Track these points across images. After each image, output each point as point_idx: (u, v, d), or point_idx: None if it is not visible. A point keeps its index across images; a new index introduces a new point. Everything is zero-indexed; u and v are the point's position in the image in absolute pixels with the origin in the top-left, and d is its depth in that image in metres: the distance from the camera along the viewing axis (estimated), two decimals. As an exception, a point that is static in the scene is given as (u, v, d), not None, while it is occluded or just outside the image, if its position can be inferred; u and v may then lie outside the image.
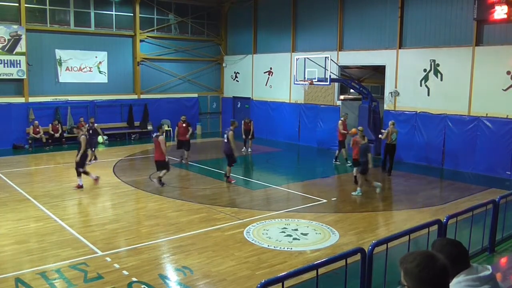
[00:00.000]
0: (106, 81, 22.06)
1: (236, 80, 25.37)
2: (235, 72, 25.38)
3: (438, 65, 16.44)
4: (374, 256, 5.13)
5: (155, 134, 13.37)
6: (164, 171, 13.05)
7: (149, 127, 23.30)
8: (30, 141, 19.49)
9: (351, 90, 21.50)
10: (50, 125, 20.00)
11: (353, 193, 12.52)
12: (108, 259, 7.93)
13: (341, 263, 4.96)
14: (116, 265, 7.66)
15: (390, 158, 15.15)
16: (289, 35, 21.91)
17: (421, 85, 16.96)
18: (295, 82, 18.65)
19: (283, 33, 22.21)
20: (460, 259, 2.66)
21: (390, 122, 15.13)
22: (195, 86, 25.31)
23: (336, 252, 8.12)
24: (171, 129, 23.58)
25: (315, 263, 4.84)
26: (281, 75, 22.37)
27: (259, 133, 22.02)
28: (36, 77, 20.26)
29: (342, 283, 5.01)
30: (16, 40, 19.25)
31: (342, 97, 20.54)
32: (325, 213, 10.91)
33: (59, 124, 20.19)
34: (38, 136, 19.51)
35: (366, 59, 19.10)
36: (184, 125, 16.58)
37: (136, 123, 22.99)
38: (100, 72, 21.86)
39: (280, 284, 4.24)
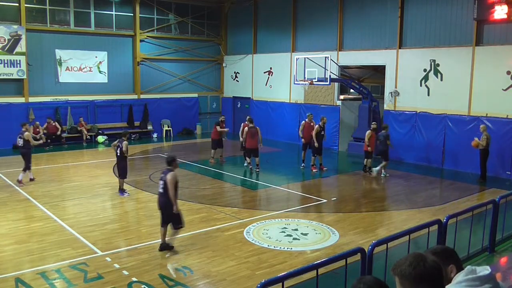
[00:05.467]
0: (106, 81, 22.06)
1: (236, 80, 25.37)
2: (235, 72, 25.37)
3: (438, 65, 16.44)
4: (374, 256, 5.13)
5: (251, 125, 15.03)
6: (257, 158, 15.00)
7: (149, 127, 23.33)
8: (30, 141, 19.43)
9: (351, 90, 21.49)
10: (46, 124, 19.73)
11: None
12: (108, 259, 7.94)
13: (341, 263, 4.97)
14: (116, 265, 7.66)
15: (484, 164, 14.22)
16: (289, 35, 21.90)
17: (421, 85, 16.96)
18: (295, 82, 18.66)
19: (283, 33, 22.20)
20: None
21: (483, 127, 14.12)
22: (195, 86, 25.31)
23: (336, 252, 8.12)
24: (171, 129, 23.63)
25: (315, 263, 4.84)
26: (281, 75, 22.36)
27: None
28: (36, 77, 20.25)
29: (342, 283, 5.01)
30: (16, 40, 19.24)
31: (342, 97, 20.53)
32: (325, 213, 10.92)
33: (56, 123, 20.10)
34: (38, 136, 19.45)
35: (366, 59, 19.09)
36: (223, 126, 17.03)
37: (136, 123, 22.97)
38: (100, 72, 21.86)
39: (280, 284, 4.25)
